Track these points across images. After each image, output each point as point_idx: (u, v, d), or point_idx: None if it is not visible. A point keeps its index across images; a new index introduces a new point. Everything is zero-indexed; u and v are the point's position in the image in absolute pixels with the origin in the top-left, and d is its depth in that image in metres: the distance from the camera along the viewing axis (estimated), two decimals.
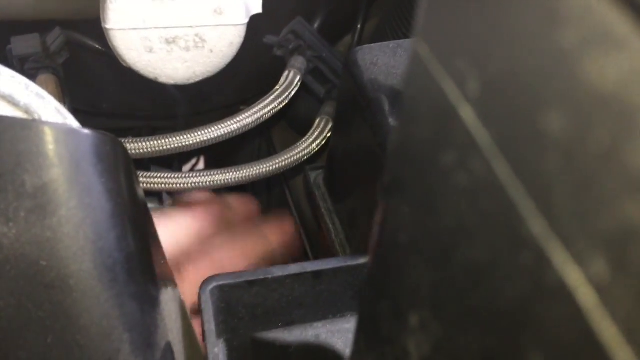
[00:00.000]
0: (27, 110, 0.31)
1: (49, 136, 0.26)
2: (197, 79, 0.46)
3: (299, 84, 0.55)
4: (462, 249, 0.13)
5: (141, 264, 0.29)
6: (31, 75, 0.48)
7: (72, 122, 0.31)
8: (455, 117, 0.12)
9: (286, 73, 0.55)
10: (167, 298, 0.32)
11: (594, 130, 0.09)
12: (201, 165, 0.84)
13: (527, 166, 0.10)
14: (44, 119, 0.30)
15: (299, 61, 0.55)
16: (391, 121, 0.44)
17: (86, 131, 0.28)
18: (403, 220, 0.16)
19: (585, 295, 0.09)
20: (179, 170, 0.63)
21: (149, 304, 0.29)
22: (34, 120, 0.28)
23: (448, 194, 0.13)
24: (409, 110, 0.15)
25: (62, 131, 0.27)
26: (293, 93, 0.54)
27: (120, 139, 0.30)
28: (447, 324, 0.14)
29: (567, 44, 0.09)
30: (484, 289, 0.12)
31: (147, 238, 0.31)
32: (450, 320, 0.14)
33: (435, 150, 0.14)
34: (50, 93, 0.36)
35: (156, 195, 0.68)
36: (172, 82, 0.45)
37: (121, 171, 0.29)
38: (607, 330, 0.09)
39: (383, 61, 0.48)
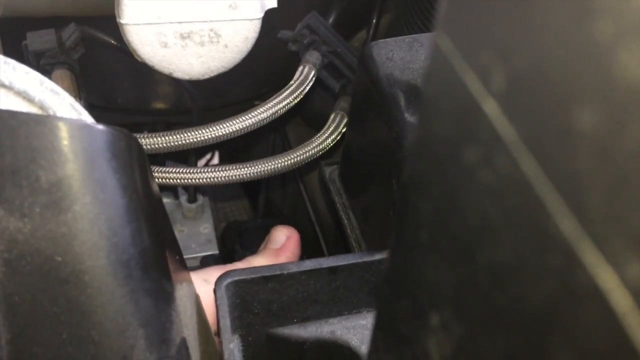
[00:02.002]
0: (41, 106, 0.31)
1: (63, 132, 0.26)
2: (212, 74, 0.46)
3: (314, 79, 0.54)
4: (486, 248, 0.12)
5: (156, 260, 0.29)
6: (47, 70, 0.48)
7: (87, 117, 0.31)
8: (478, 113, 0.12)
9: (301, 68, 0.54)
10: (181, 294, 0.32)
11: (630, 126, 0.09)
12: (216, 160, 0.84)
13: (557, 163, 0.10)
14: (58, 114, 0.30)
15: (313, 56, 0.55)
16: (407, 116, 0.43)
17: (100, 126, 0.28)
18: (423, 219, 0.16)
19: (620, 299, 0.09)
20: (194, 165, 0.63)
21: (164, 299, 0.29)
22: (48, 116, 0.28)
23: (471, 191, 0.13)
24: (429, 105, 0.15)
25: (77, 127, 0.27)
26: (308, 88, 0.53)
27: (135, 135, 0.30)
28: (469, 324, 0.14)
29: (601, 36, 0.09)
30: (509, 289, 0.12)
31: (161, 234, 0.31)
32: (473, 321, 0.14)
33: (458, 147, 0.13)
34: (66, 88, 0.36)
35: (172, 191, 0.68)
36: (186, 77, 0.45)
37: (136, 166, 0.29)
38: None
39: (399, 56, 0.47)
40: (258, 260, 0.49)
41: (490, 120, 0.12)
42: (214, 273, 0.46)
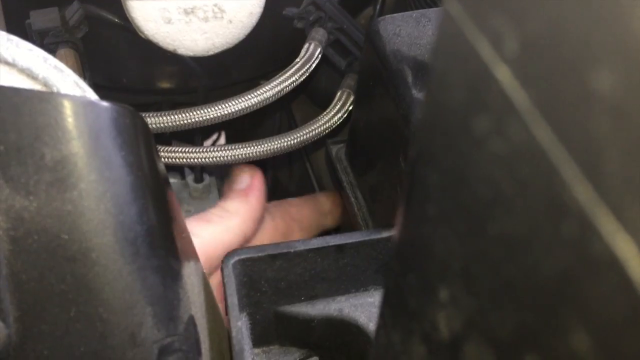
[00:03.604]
0: (45, 84, 0.30)
1: (67, 109, 0.26)
2: (217, 51, 0.45)
3: (320, 56, 0.54)
4: (497, 220, 0.12)
5: (162, 238, 0.29)
6: (51, 49, 0.48)
7: (91, 95, 0.31)
8: (490, 80, 0.12)
9: (306, 45, 0.54)
10: (189, 272, 0.32)
11: None
12: (222, 141, 0.84)
13: (572, 129, 0.10)
14: (62, 92, 0.30)
15: (319, 33, 0.54)
16: (414, 93, 0.43)
17: (105, 104, 0.27)
18: (432, 191, 0.15)
19: (638, 267, 0.09)
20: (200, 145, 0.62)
21: (171, 277, 0.29)
22: (52, 93, 0.28)
23: (482, 162, 0.12)
24: (439, 74, 0.14)
25: (81, 104, 0.26)
26: (314, 66, 0.53)
27: (140, 114, 0.30)
28: (480, 298, 0.13)
29: None
30: (521, 262, 0.11)
31: (168, 212, 0.31)
32: (484, 294, 0.13)
33: (468, 116, 0.13)
34: (70, 67, 0.36)
35: (178, 171, 0.67)
36: (191, 53, 0.44)
37: (141, 144, 0.29)
38: None
39: (406, 31, 0.47)
40: (231, 205, 0.50)
41: (503, 87, 0.11)
42: (191, 224, 0.47)
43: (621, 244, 0.09)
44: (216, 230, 0.49)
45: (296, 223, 0.58)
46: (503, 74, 0.11)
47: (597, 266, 0.09)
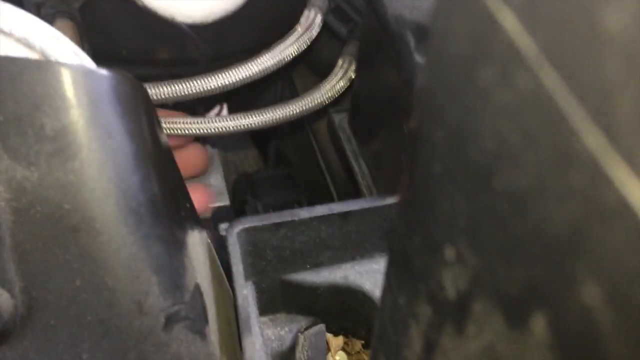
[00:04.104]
0: (43, 53, 0.30)
1: (66, 77, 0.25)
2: (215, 17, 0.44)
3: (321, 24, 0.53)
4: (504, 173, 0.12)
5: (166, 207, 0.29)
6: (48, 21, 0.47)
7: (90, 64, 0.31)
8: (494, 26, 0.11)
9: (307, 12, 0.53)
10: (193, 241, 0.32)
11: None
12: (224, 113, 0.83)
13: (581, 73, 0.09)
14: (60, 61, 0.29)
15: (319, 0, 0.53)
16: (417, 57, 0.42)
17: (104, 72, 0.27)
18: (437, 149, 0.15)
19: None
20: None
21: (176, 246, 0.29)
22: (49, 62, 0.28)
23: (488, 114, 0.12)
24: (441, 26, 0.14)
25: (80, 72, 0.26)
26: (314, 33, 0.52)
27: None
28: (487, 255, 0.13)
29: None
30: (529, 215, 0.11)
31: (171, 182, 0.30)
32: (491, 251, 0.13)
33: (473, 68, 0.12)
34: (68, 39, 0.35)
35: None
36: (189, 20, 0.43)
37: (142, 112, 0.29)
38: None
39: None
40: None
41: (508, 34, 0.11)
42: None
43: (634, 190, 0.09)
44: None
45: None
46: (508, 20, 0.11)
47: (608, 215, 0.09)
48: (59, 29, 0.47)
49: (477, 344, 0.14)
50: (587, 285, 0.10)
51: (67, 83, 0.25)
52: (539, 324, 0.11)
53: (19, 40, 0.29)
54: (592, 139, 0.09)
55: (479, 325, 0.14)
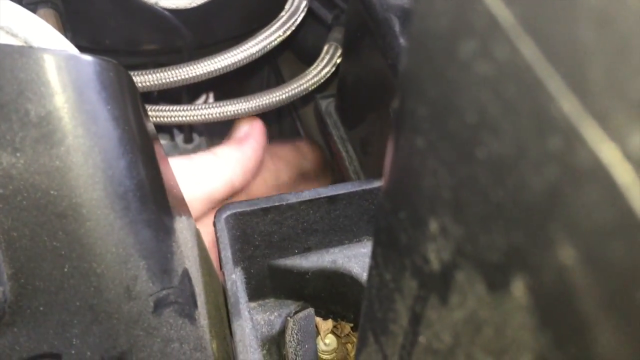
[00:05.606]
0: (25, 41, 0.30)
1: (49, 63, 0.25)
2: (199, 2, 0.44)
3: (305, 9, 0.53)
4: (485, 143, 0.12)
5: (153, 192, 0.29)
6: (30, 9, 0.46)
7: (73, 50, 0.31)
8: (474, 0, 0.11)
9: None
10: (181, 226, 0.32)
11: None
12: (211, 101, 0.83)
13: (556, 41, 0.10)
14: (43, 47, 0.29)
15: None
16: (402, 41, 0.42)
17: (88, 57, 0.27)
18: (420, 124, 0.15)
19: (623, 173, 0.09)
20: None
21: (164, 231, 0.29)
22: (32, 48, 0.28)
23: (469, 86, 0.12)
24: (423, 4, 0.14)
25: (63, 58, 0.26)
26: (299, 19, 0.52)
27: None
28: (469, 225, 0.14)
29: None
30: (509, 183, 0.11)
31: (157, 167, 0.30)
32: (473, 221, 0.13)
33: (454, 42, 0.13)
34: None
35: (167, 132, 0.67)
36: (172, 6, 0.43)
37: (127, 98, 0.28)
38: None
39: None
40: (223, 151, 0.49)
41: (487, 6, 0.11)
42: (173, 161, 0.45)
43: (606, 150, 0.09)
44: (198, 170, 0.46)
45: (282, 161, 0.57)
46: None
47: (583, 175, 0.09)
48: (41, 17, 0.47)
49: (461, 313, 0.14)
50: (563, 246, 0.10)
51: (51, 69, 0.25)
52: (518, 288, 0.11)
53: (1, 28, 0.29)
54: (567, 104, 0.09)
55: (462, 295, 0.14)
